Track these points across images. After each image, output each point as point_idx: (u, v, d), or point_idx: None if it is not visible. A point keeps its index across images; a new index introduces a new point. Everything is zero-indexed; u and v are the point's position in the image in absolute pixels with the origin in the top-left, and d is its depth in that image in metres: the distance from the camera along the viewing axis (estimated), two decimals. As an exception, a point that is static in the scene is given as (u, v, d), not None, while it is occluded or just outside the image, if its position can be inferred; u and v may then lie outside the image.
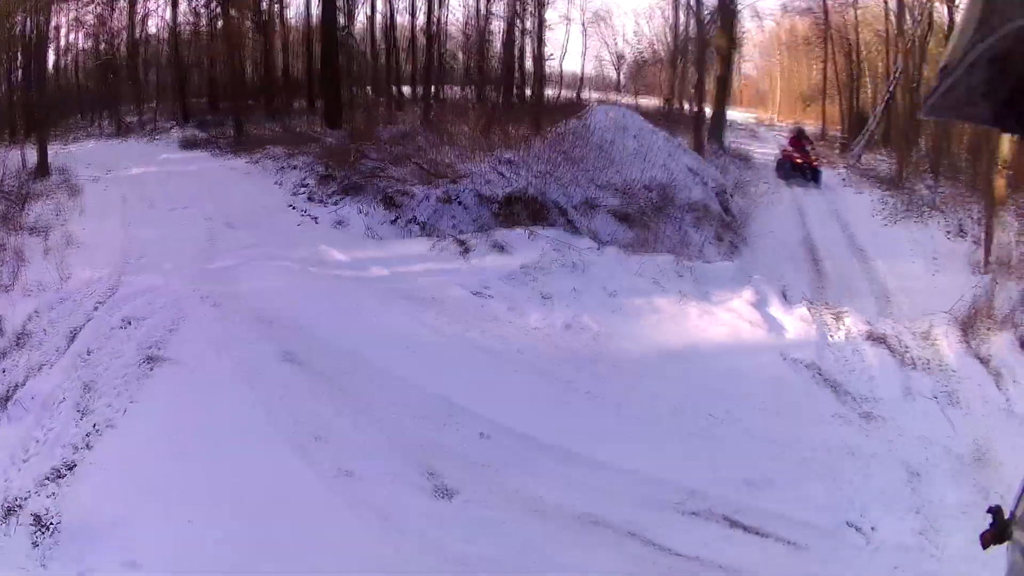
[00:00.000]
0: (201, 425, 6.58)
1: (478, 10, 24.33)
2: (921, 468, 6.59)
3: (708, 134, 22.24)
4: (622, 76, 29.35)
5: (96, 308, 9.11)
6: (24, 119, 17.73)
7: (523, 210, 12.72)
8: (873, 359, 8.55)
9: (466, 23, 24.71)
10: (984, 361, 8.60)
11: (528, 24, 24.51)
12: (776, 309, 9.54)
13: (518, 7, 23.87)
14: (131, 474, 5.91)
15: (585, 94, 27.26)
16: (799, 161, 20.90)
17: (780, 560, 5.48)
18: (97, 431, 6.60)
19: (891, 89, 25.98)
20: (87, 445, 6.40)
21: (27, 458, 6.23)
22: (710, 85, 24.23)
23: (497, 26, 24.45)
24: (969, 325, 9.33)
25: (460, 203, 12.76)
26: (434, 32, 24.37)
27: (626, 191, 14.10)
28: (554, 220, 12.65)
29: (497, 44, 24.52)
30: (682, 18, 26.34)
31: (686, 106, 26.28)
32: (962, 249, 15.09)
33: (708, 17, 24.47)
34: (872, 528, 5.83)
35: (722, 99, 24.02)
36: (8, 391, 7.30)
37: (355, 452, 6.37)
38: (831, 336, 9.06)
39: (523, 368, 8.08)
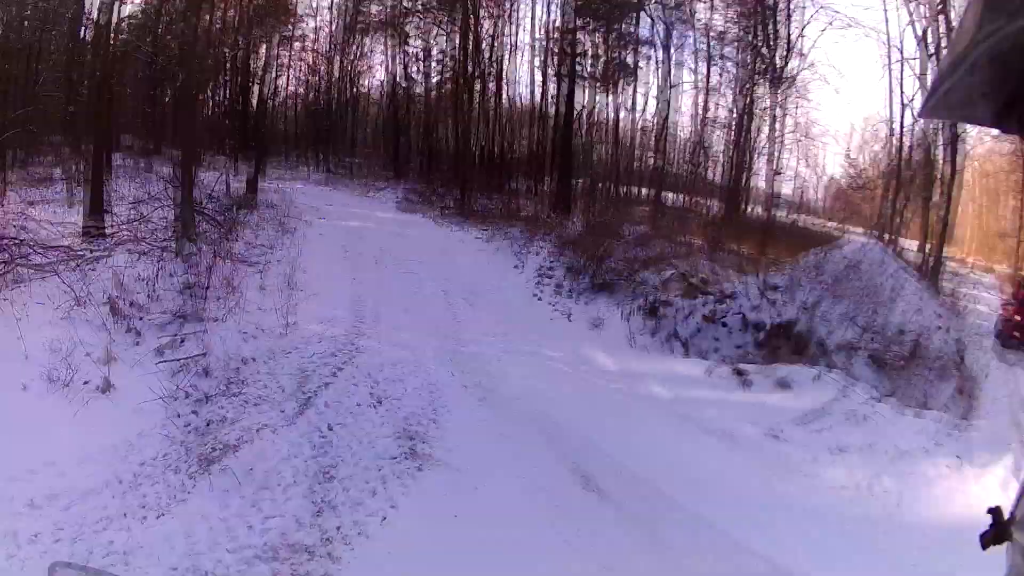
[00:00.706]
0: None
1: (703, 119, 23.54)
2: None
3: (930, 275, 20.12)
4: (822, 198, 27.99)
5: (335, 374, 7.82)
6: (235, 140, 17.06)
7: (786, 343, 11.52)
8: None
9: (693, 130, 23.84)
10: None
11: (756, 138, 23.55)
12: None
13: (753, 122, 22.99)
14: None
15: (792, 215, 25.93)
16: None
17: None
18: (344, 538, 5.31)
19: None
20: (329, 555, 5.11)
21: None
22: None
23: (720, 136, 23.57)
24: None
25: (724, 325, 11.51)
26: (663, 135, 22.94)
27: (882, 334, 12.75)
28: (816, 358, 11.35)
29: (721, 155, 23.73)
30: (905, 144, 24.70)
31: (902, 243, 24.70)
32: None
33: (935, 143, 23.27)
34: None
35: (941, 241, 21.77)
36: (215, 452, 6.14)
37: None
38: None
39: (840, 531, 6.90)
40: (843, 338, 12.07)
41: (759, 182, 23.72)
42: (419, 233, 15.08)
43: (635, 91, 22.18)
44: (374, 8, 22.63)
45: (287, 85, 22.55)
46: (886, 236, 23.29)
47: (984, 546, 1.55)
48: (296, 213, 14.47)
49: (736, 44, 22.77)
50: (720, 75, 22.97)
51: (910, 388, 11.64)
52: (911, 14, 21.41)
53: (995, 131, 1.28)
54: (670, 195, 22.92)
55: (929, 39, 21.81)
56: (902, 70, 23.31)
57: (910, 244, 24.79)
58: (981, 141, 27.80)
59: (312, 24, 22.21)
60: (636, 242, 15.47)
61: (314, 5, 22.01)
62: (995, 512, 1.55)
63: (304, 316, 9.11)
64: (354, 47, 22.80)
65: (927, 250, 22.10)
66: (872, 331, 12.64)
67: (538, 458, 6.68)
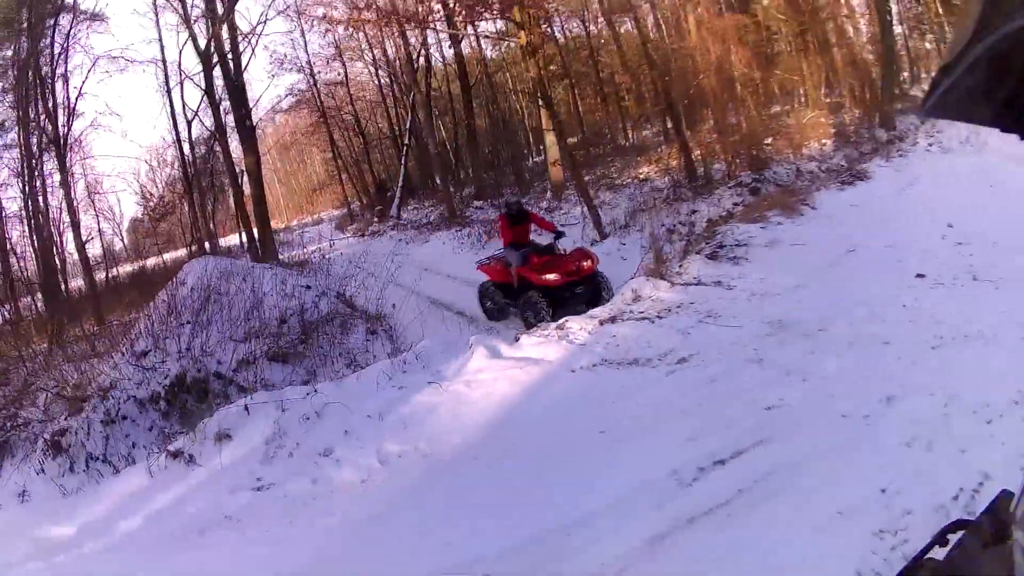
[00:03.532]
0: None
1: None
2: (757, 356, 7.80)
3: (261, 254, 21.22)
4: (125, 239, 28.14)
5: None
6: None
7: (188, 396, 10.81)
8: (629, 331, 9.12)
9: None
10: (700, 283, 10.04)
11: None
12: (512, 349, 9.30)
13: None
14: None
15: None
16: (563, 278, 12.04)
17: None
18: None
19: (408, 141, 27.24)
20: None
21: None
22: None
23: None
24: (658, 272, 10.72)
25: (125, 418, 10.38)
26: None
27: (267, 332, 12.86)
28: (224, 391, 11.02)
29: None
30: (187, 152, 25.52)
31: (223, 241, 25.93)
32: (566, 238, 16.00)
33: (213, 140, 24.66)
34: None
35: (264, 216, 23.13)
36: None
37: None
38: (577, 340, 9.12)
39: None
40: (234, 359, 11.80)
41: (72, 256, 23.35)
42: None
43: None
44: None
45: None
46: (207, 244, 24.09)
47: (985, 545, 1.63)
48: None
49: (17, 129, 22.59)
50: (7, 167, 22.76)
51: (324, 361, 12.11)
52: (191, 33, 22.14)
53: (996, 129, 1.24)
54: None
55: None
56: (183, 90, 24.42)
57: (232, 240, 25.81)
58: (272, 120, 29.96)
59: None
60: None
61: None
62: (995, 511, 1.66)
63: None
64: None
65: (253, 236, 23.31)
66: (255, 336, 12.59)
67: None
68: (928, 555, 1.74)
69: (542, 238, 13.16)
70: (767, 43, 22.69)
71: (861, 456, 5.60)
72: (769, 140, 17.98)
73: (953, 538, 1.73)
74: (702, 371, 7.79)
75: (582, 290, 12.06)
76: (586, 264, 12.08)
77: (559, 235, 12.98)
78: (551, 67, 23.21)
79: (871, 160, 15.52)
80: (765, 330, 8.40)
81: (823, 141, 17.98)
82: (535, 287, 12.03)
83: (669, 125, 21.50)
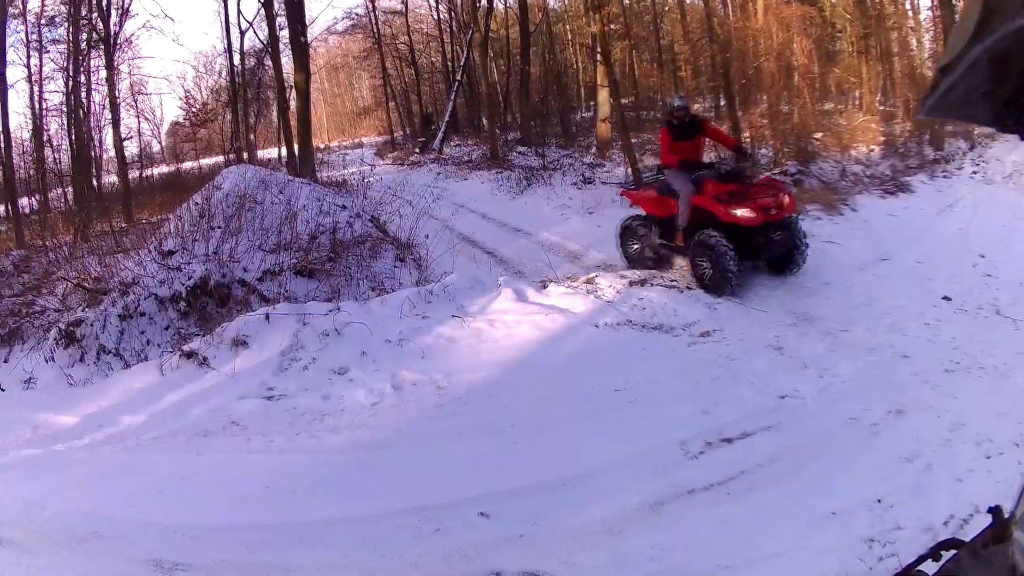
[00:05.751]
0: None
1: (42, 111, 22.48)
2: (777, 343, 7.91)
3: (300, 170, 20.90)
4: (163, 142, 28.12)
5: None
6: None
7: (209, 299, 10.68)
8: (657, 297, 9.10)
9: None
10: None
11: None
12: (539, 296, 9.29)
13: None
14: None
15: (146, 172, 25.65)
16: (760, 215, 9.19)
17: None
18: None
19: (459, 78, 27.03)
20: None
21: None
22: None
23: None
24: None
25: (143, 314, 10.30)
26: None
27: (297, 247, 12.60)
28: (246, 299, 10.86)
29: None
30: (236, 62, 25.23)
31: (261, 154, 25.63)
32: (604, 195, 16.70)
33: (264, 53, 24.33)
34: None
35: (306, 134, 22.60)
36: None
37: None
38: (604, 297, 9.11)
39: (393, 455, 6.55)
40: (260, 269, 11.64)
41: (108, 152, 23.27)
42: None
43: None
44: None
45: None
46: (245, 155, 23.92)
47: (984, 545, 1.63)
48: None
49: (67, 25, 22.46)
50: (53, 61, 22.67)
51: (348, 281, 11.87)
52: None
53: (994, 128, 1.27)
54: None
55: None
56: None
57: (270, 153, 25.62)
58: (325, 41, 29.76)
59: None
60: (17, 270, 13.73)
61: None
62: (995, 511, 1.66)
63: None
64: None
65: (294, 152, 23.09)
66: (285, 248, 12.38)
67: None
68: (919, 568, 1.76)
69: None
70: (830, 40, 22.49)
71: (863, 462, 5.69)
72: (819, 135, 17.79)
73: (946, 555, 1.73)
74: (723, 347, 7.86)
75: (781, 236, 9.33)
76: (787, 200, 9.30)
77: (744, 154, 10.24)
78: (613, 25, 22.95)
79: (915, 175, 15.34)
80: (789, 320, 8.49)
81: (871, 147, 17.75)
82: (716, 225, 9.32)
83: (722, 102, 21.28)
